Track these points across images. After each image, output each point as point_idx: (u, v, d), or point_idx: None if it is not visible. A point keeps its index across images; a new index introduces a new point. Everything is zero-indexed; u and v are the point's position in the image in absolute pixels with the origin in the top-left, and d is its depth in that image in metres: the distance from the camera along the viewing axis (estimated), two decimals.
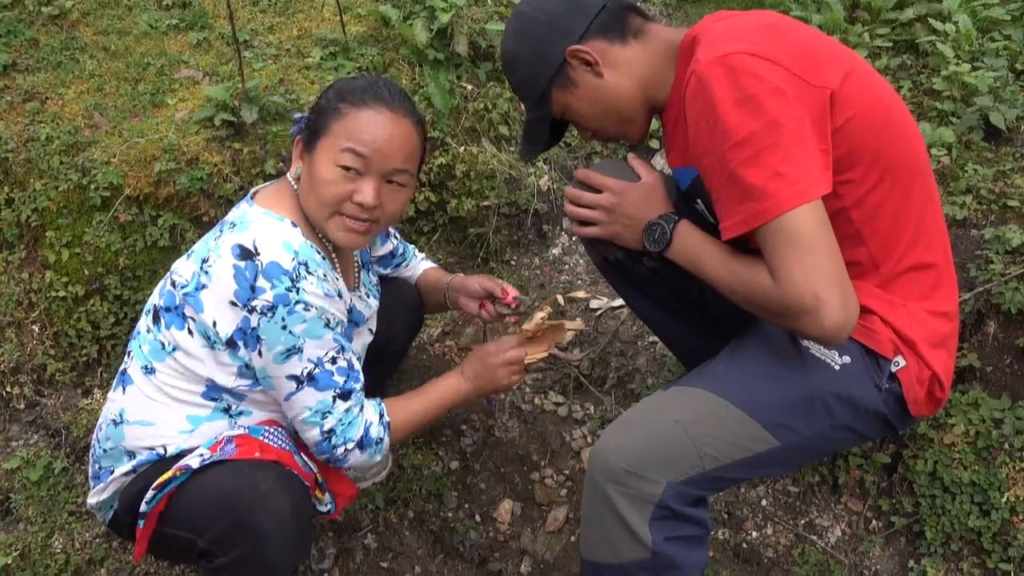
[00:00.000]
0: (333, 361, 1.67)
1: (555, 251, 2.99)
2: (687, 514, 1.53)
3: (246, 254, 1.60)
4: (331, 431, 1.69)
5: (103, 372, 2.50)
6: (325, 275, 1.65)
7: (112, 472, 1.74)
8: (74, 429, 2.38)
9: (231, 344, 1.64)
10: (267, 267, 1.58)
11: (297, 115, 1.82)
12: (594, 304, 2.77)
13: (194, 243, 2.46)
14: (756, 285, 1.48)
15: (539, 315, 2.36)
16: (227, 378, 1.69)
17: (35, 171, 2.49)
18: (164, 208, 2.50)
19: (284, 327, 1.60)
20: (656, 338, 2.53)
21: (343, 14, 2.87)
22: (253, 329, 1.60)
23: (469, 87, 2.94)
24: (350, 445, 1.71)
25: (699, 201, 1.70)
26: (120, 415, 1.74)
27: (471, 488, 2.36)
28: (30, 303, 2.47)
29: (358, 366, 1.75)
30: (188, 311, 1.66)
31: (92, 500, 1.79)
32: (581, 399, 2.52)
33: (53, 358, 2.46)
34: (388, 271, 2.20)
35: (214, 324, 1.63)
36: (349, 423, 1.71)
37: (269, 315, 1.58)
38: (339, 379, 1.68)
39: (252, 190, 1.79)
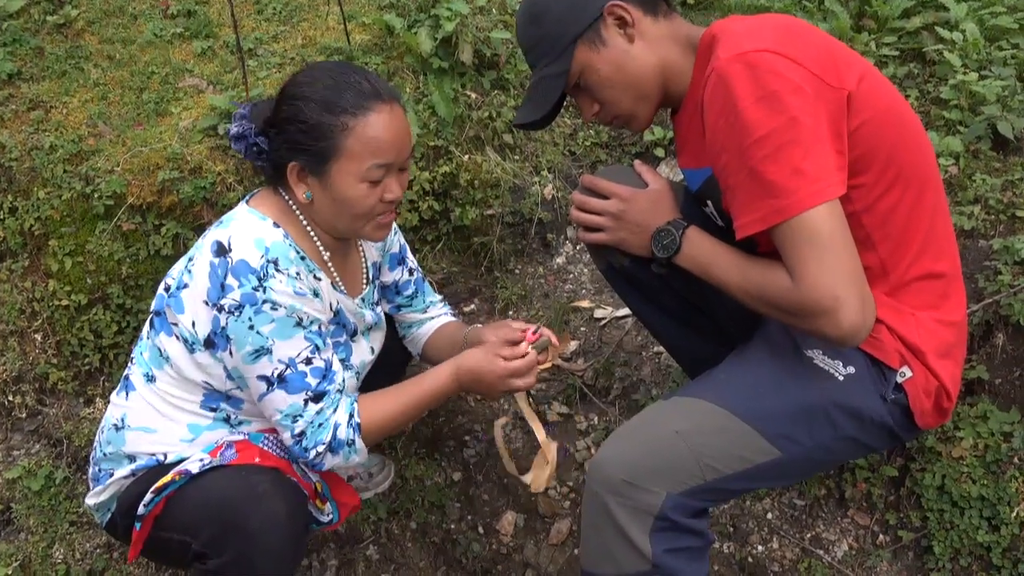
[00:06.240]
0: (308, 362, 1.63)
1: (559, 260, 2.97)
2: (688, 526, 1.51)
3: (221, 251, 1.59)
4: (302, 434, 1.65)
5: (105, 381, 2.50)
6: (298, 273, 1.62)
7: (112, 475, 1.74)
8: (76, 438, 2.37)
9: (209, 344, 1.63)
10: (236, 265, 1.57)
11: (239, 111, 1.71)
12: (598, 314, 2.75)
13: None
14: (771, 286, 1.47)
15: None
16: (220, 382, 1.68)
17: (39, 180, 2.49)
18: (167, 217, 2.49)
19: (251, 327, 1.58)
20: (661, 348, 2.51)
21: (347, 23, 2.87)
22: (223, 329, 1.60)
23: (473, 96, 2.93)
24: (320, 448, 1.66)
25: (709, 203, 1.68)
26: (122, 420, 1.74)
27: (474, 499, 2.34)
28: (33, 312, 2.47)
29: (337, 366, 1.70)
30: (170, 315, 1.67)
31: (90, 501, 1.79)
32: (585, 410, 2.49)
33: (55, 367, 2.45)
34: (391, 310, 2.09)
35: (193, 324, 1.63)
36: (320, 425, 1.65)
37: (236, 314, 1.57)
38: (312, 380, 1.64)
39: (251, 193, 1.78)
